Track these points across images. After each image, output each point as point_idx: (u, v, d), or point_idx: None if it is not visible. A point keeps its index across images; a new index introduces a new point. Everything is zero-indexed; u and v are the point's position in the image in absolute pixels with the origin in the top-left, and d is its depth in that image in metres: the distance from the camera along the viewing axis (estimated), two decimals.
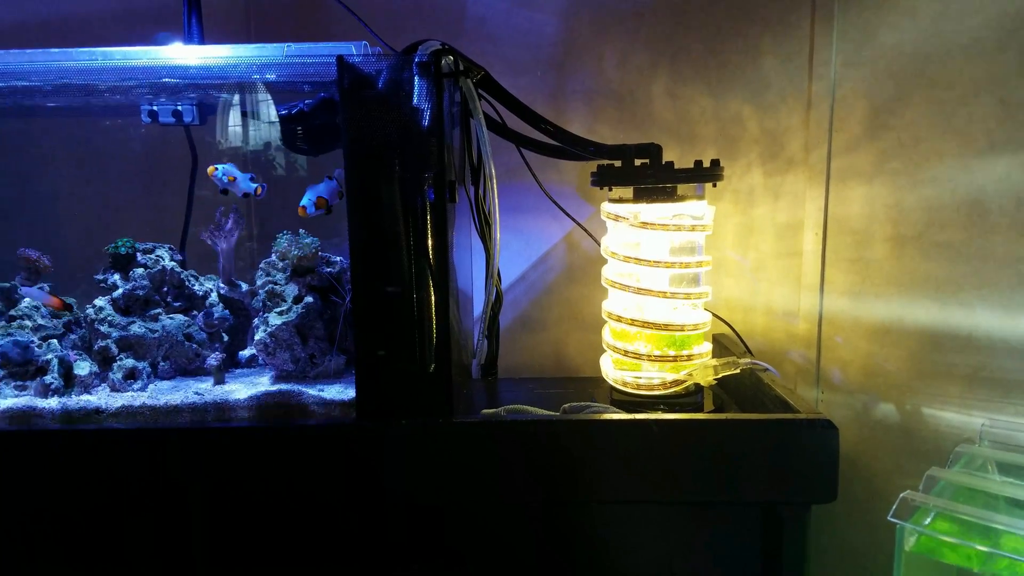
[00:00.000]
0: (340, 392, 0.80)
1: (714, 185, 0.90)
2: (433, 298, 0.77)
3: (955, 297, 0.85)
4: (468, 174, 1.02)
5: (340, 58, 0.73)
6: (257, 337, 0.82)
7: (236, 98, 0.96)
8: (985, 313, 0.82)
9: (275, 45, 0.78)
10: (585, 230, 1.09)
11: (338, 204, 0.87)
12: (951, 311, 0.85)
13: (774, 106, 1.04)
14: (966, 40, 0.81)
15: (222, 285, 0.92)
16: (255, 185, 0.87)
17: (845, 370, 0.97)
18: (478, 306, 1.06)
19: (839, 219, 0.97)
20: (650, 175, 0.89)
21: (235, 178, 0.87)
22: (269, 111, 0.92)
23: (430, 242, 0.78)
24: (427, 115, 0.76)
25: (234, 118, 0.99)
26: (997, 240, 0.80)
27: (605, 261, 0.96)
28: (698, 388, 0.93)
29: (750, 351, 1.00)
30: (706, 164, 0.88)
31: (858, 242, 0.95)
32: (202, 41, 0.96)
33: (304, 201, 0.82)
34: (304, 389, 0.80)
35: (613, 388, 0.95)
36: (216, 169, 0.86)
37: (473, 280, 1.11)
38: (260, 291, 0.84)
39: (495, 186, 0.95)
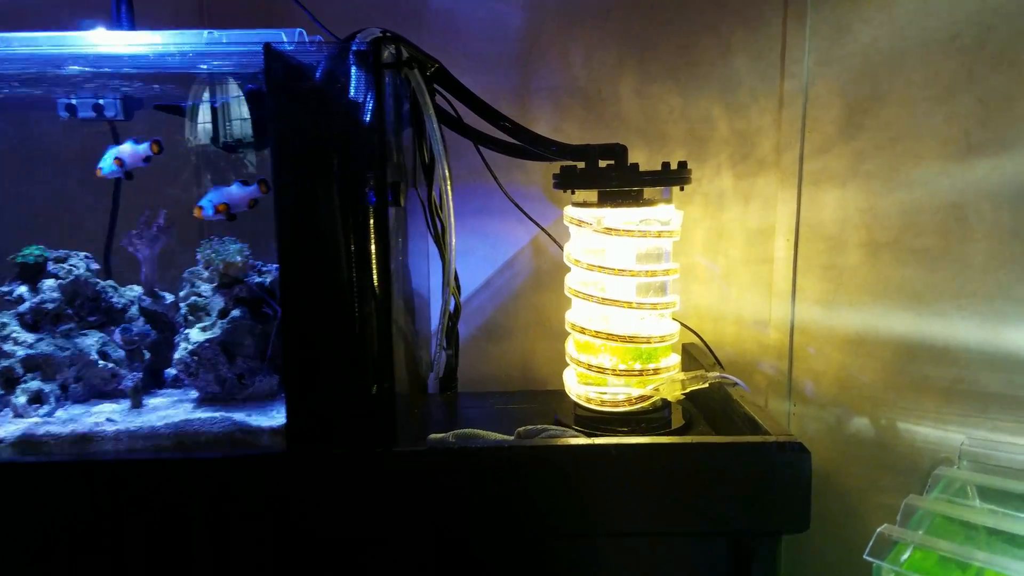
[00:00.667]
0: (270, 417, 0.73)
1: (682, 188, 0.85)
2: (375, 310, 0.70)
3: (931, 306, 0.81)
4: (423, 175, 0.95)
5: (267, 46, 0.66)
6: (177, 356, 0.75)
7: (202, 94, 0.87)
8: (963, 323, 0.78)
9: (195, 31, 0.70)
10: (549, 235, 1.03)
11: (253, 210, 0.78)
12: (927, 321, 0.81)
13: (745, 105, 0.99)
14: (944, 36, 0.77)
15: (144, 296, 0.84)
16: (144, 144, 0.78)
17: (818, 382, 0.93)
18: (436, 316, 0.99)
19: (811, 224, 0.92)
20: (614, 177, 0.84)
21: (122, 160, 0.78)
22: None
23: (372, 248, 0.71)
24: (366, 109, 0.69)
25: (200, 114, 0.90)
26: (976, 247, 0.76)
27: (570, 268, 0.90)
28: (665, 403, 0.88)
29: (720, 363, 0.95)
30: (674, 166, 0.83)
31: (831, 248, 0.90)
32: (132, 27, 0.87)
33: (203, 201, 0.75)
34: (229, 414, 0.73)
35: (577, 404, 0.90)
36: (100, 170, 0.78)
37: (431, 288, 1.04)
38: (182, 304, 0.76)
39: (449, 188, 0.89)
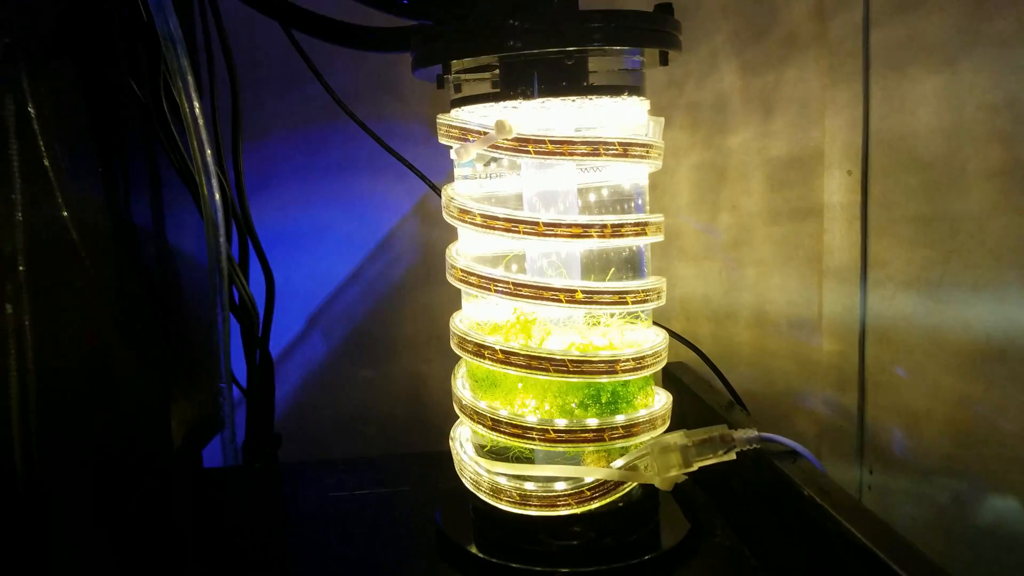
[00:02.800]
0: None
1: (663, 60, 0.42)
2: None
3: None
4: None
5: None
6: None
7: None
8: None
9: None
10: (430, 184, 0.60)
11: None
12: None
13: None
14: None
15: None
16: None
17: (916, 430, 0.51)
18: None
19: (891, 141, 0.51)
20: (528, 30, 0.40)
21: None
22: None
23: None
24: None
25: None
26: None
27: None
28: (647, 492, 0.44)
29: (741, 403, 0.52)
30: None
31: (933, 184, 0.50)
32: None
33: None
34: None
35: (475, 499, 0.45)
36: None
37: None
38: None
39: (191, 76, 0.43)
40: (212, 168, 0.45)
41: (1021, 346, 0.46)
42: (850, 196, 0.52)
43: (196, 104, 0.44)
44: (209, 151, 0.45)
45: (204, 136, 0.45)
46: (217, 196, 0.46)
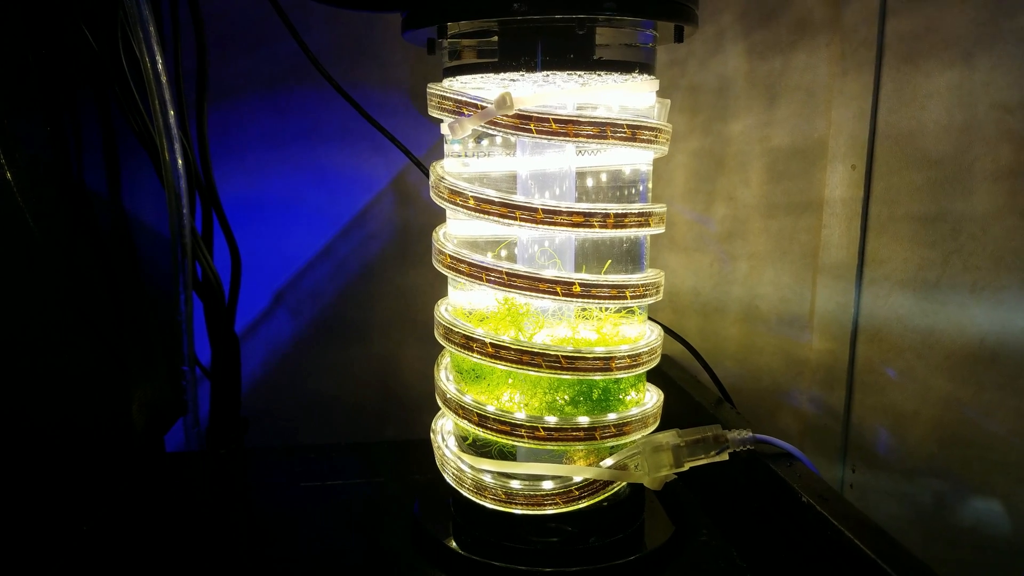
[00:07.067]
0: None
1: (679, 37, 0.40)
2: None
3: None
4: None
5: None
6: None
7: None
8: None
9: None
10: (422, 168, 0.56)
11: None
12: None
13: None
14: None
15: None
16: None
17: (901, 430, 0.51)
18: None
19: (898, 137, 0.50)
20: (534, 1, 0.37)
21: None
22: None
23: None
24: None
25: None
26: None
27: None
28: (634, 491, 0.43)
29: (729, 400, 0.51)
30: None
31: (938, 182, 0.48)
32: None
33: None
34: None
35: (456, 492, 0.43)
36: None
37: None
38: None
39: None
40: (175, 132, 0.41)
41: (1014, 350, 0.46)
42: (852, 191, 0.51)
43: (159, 59, 0.39)
44: (172, 112, 0.40)
45: (167, 95, 0.40)
46: (180, 163, 0.42)
